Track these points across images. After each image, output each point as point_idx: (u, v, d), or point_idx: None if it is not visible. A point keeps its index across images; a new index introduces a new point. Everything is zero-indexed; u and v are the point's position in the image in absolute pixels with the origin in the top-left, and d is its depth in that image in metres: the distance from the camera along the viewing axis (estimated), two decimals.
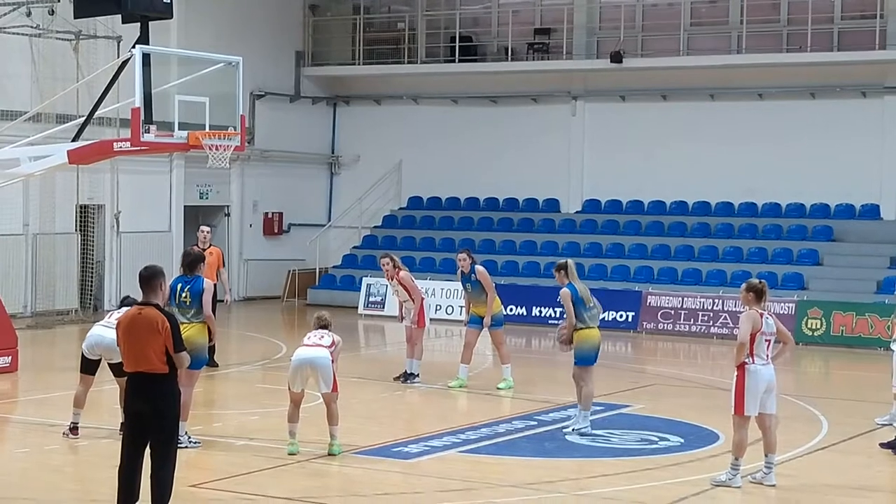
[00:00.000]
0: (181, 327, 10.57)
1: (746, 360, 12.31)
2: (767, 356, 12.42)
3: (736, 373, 12.39)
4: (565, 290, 15.21)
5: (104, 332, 13.86)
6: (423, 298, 18.80)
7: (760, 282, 12.61)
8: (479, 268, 18.49)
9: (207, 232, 21.09)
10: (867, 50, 29.45)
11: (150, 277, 10.32)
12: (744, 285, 12.70)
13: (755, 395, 12.33)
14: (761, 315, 12.37)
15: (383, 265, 18.69)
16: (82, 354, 14.31)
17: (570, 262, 15.64)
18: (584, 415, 15.19)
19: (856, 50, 29.57)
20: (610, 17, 32.78)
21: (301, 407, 13.58)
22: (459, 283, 19.43)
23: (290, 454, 13.37)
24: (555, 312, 27.15)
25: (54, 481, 12.49)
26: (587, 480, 12.80)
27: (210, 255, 20.23)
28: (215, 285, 18.88)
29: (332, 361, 13.36)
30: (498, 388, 18.28)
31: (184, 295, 14.03)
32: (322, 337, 13.57)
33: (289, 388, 13.48)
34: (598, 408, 16.63)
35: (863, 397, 18.34)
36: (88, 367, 14.32)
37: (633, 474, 12.98)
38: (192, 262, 14.40)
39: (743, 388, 12.32)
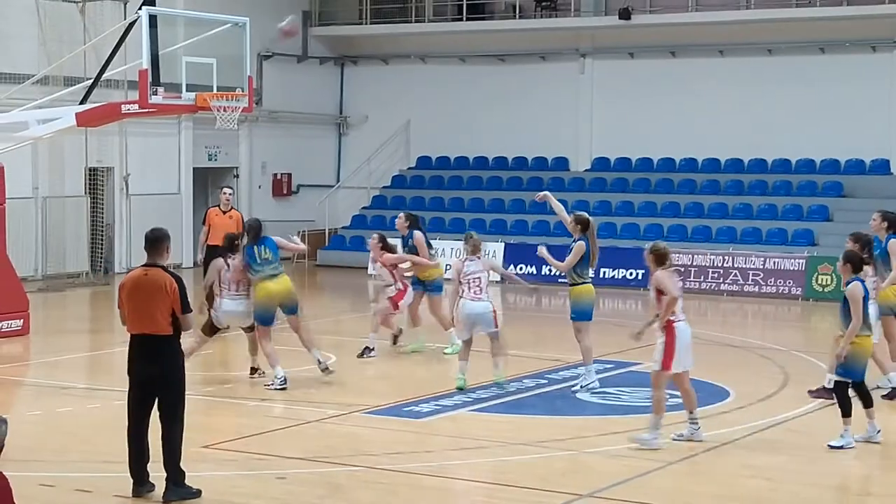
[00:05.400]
0: (277, 281, 11.74)
1: (673, 318, 12.26)
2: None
3: (665, 330, 12.29)
4: (581, 244, 15.07)
5: (227, 303, 15.41)
6: (406, 287, 17.87)
7: (663, 246, 12.72)
8: (416, 233, 17.91)
9: (230, 194, 21.25)
10: (877, 4, 29.28)
11: (155, 240, 10.32)
12: (649, 246, 12.82)
13: (683, 352, 12.31)
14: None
15: (371, 242, 17.86)
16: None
17: (594, 221, 15.52)
18: (588, 370, 15.20)
19: (865, 4, 29.40)
20: None
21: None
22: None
23: (458, 388, 14.90)
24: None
25: (66, 443, 12.57)
26: (597, 438, 12.84)
27: (230, 218, 20.51)
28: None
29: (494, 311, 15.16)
30: (445, 353, 17.81)
31: (265, 254, 15.27)
32: (480, 287, 15.12)
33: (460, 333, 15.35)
34: (608, 366, 16.69)
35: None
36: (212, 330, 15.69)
37: (642, 431, 13.01)
38: (257, 232, 15.51)
39: (674, 345, 12.26)
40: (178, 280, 10.15)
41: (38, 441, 12.49)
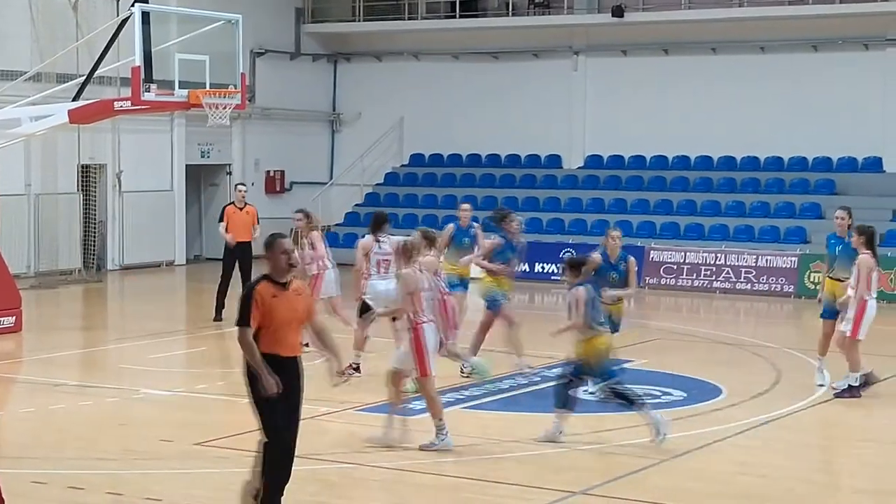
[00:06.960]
0: None
1: (419, 319, 11.97)
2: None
3: (412, 334, 11.98)
4: (597, 255, 14.92)
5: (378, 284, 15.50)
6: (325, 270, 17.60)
7: (410, 241, 12.42)
8: (476, 225, 17.52)
9: (244, 191, 21.48)
10: (869, 2, 29.32)
11: (265, 247, 9.90)
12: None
13: (432, 354, 12.09)
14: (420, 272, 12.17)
15: (296, 220, 17.49)
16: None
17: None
18: None
19: (858, 2, 29.43)
20: None
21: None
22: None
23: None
24: (557, 269, 27.19)
25: (59, 440, 12.55)
26: (590, 435, 12.84)
27: (247, 213, 20.80)
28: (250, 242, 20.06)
29: None
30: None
31: None
32: None
33: None
34: None
35: (865, 350, 18.37)
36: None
37: (636, 428, 13.01)
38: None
39: (423, 349, 11.96)
40: (245, 290, 9.56)
41: (31, 438, 12.49)
